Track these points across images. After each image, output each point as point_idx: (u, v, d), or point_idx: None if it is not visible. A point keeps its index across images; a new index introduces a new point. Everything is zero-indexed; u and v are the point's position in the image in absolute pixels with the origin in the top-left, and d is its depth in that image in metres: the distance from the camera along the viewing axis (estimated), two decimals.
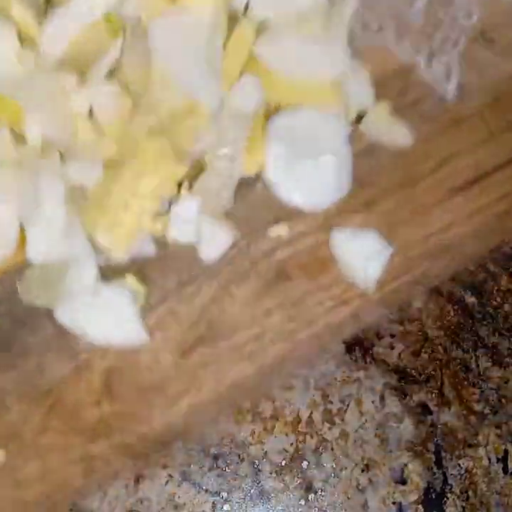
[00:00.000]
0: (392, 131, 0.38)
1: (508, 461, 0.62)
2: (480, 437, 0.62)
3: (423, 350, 0.62)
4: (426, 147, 0.39)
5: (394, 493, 0.61)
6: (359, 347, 0.61)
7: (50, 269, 0.34)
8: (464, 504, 0.62)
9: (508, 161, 0.39)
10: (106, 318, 0.34)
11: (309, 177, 0.36)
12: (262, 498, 0.60)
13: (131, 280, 0.36)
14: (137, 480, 0.43)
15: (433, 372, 0.62)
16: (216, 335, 0.35)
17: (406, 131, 0.39)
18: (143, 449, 0.36)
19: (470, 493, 0.62)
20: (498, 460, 0.62)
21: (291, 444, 0.60)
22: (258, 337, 0.36)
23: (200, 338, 0.35)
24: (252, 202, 0.37)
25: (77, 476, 0.35)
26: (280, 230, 0.37)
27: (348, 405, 0.61)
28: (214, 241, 0.35)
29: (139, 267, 0.36)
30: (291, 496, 0.60)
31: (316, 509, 0.60)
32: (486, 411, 0.63)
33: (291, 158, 0.37)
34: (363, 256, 0.36)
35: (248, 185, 0.38)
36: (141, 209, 0.36)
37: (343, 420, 0.61)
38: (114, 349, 0.35)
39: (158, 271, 0.36)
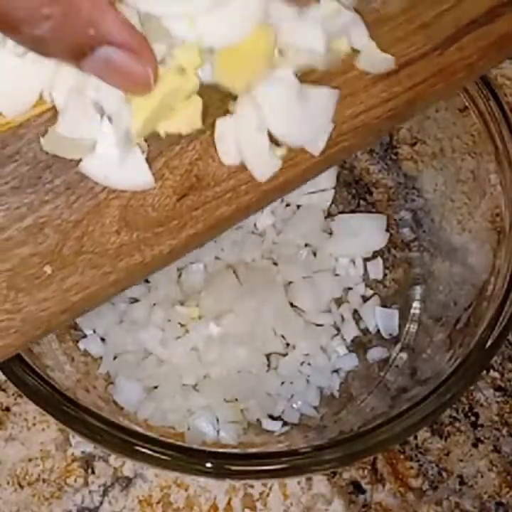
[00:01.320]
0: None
1: None
2: None
3: None
4: None
5: None
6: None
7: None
8: None
9: (419, 57, 0.48)
10: (122, 168, 0.42)
11: None
12: None
13: (138, 138, 0.43)
14: None
15: None
16: (202, 186, 0.45)
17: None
18: (157, 266, 0.45)
19: None
20: None
21: None
22: (234, 188, 0.45)
23: (190, 187, 0.44)
24: None
25: (108, 285, 0.44)
26: None
27: (270, 488, 0.57)
28: None
29: None
30: None
31: None
32: (425, 487, 0.58)
33: None
34: (313, 129, 0.46)
35: None
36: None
37: (265, 505, 0.57)
38: (126, 192, 0.44)
39: None
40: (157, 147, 0.44)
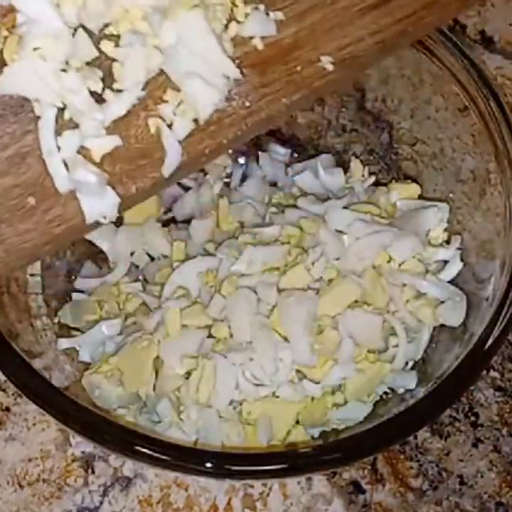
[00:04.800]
0: None
1: None
2: None
3: None
4: None
5: None
6: None
7: None
8: None
9: None
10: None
11: None
12: None
13: None
14: None
15: None
16: None
17: None
18: (138, 199, 0.45)
19: None
20: None
21: None
22: (219, 120, 0.44)
23: None
24: None
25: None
26: None
27: (270, 488, 0.57)
28: None
29: None
30: None
31: None
32: (425, 487, 0.58)
33: None
34: None
35: None
36: None
37: (265, 505, 0.57)
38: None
39: None
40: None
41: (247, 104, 0.45)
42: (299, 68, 0.46)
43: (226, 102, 0.44)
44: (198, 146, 0.44)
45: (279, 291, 0.55)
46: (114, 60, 0.42)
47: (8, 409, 0.59)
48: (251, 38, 0.45)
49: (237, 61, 0.44)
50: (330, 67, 0.46)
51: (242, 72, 0.44)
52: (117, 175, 0.43)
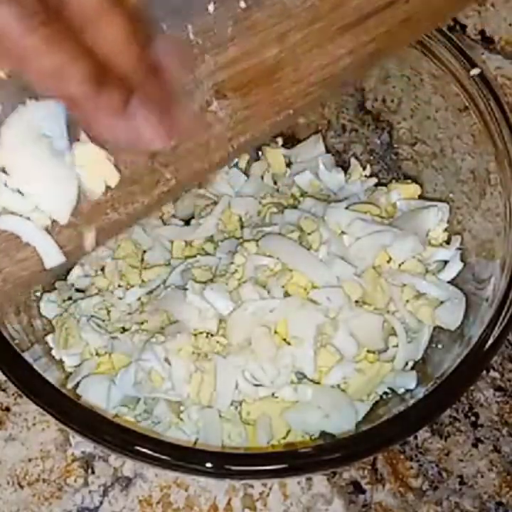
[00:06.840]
0: None
1: None
2: None
3: None
4: None
5: None
6: None
7: None
8: None
9: (386, 5, 0.47)
10: None
11: None
12: None
13: None
14: None
15: None
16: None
17: None
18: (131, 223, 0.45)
19: None
20: None
21: None
22: (206, 143, 0.44)
23: None
24: None
25: (83, 245, 0.43)
26: None
27: (270, 488, 0.57)
28: None
29: None
30: None
31: None
32: (425, 487, 0.58)
33: None
34: None
35: None
36: None
37: (265, 505, 0.57)
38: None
39: None
40: None
41: (232, 125, 0.45)
42: (281, 89, 0.46)
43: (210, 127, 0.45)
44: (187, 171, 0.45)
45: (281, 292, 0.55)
46: None
47: (8, 409, 0.59)
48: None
49: (220, 84, 0.44)
50: (311, 88, 0.46)
51: (225, 95, 0.44)
52: (109, 201, 0.43)
